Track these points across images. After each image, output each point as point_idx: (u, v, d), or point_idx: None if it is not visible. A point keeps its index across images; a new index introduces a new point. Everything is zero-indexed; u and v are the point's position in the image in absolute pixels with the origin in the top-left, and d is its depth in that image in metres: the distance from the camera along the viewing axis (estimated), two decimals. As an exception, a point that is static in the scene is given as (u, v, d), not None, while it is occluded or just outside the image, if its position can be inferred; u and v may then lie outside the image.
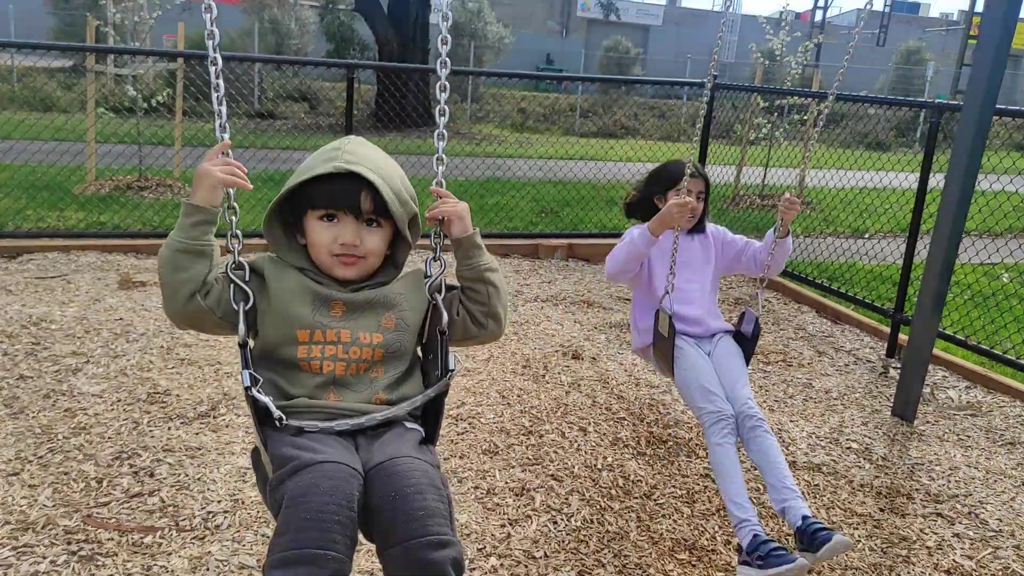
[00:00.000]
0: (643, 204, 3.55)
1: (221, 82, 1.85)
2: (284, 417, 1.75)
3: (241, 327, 1.81)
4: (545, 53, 37.40)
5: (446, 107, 2.07)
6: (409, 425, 1.89)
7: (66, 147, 7.46)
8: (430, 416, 1.95)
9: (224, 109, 1.84)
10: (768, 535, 2.73)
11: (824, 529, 2.60)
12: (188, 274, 1.78)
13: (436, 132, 2.04)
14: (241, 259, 1.84)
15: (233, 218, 1.83)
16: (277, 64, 19.23)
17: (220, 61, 1.89)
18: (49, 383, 3.94)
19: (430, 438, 1.92)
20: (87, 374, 4.08)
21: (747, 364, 3.31)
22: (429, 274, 1.98)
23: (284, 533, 1.56)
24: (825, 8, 39.20)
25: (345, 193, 1.85)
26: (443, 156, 2.01)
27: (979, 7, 29.17)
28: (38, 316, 4.75)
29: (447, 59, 2.05)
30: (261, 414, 1.77)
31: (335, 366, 1.84)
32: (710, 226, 3.62)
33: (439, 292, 1.96)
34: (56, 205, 7.54)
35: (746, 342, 3.38)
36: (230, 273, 1.82)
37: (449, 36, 2.04)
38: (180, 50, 9.27)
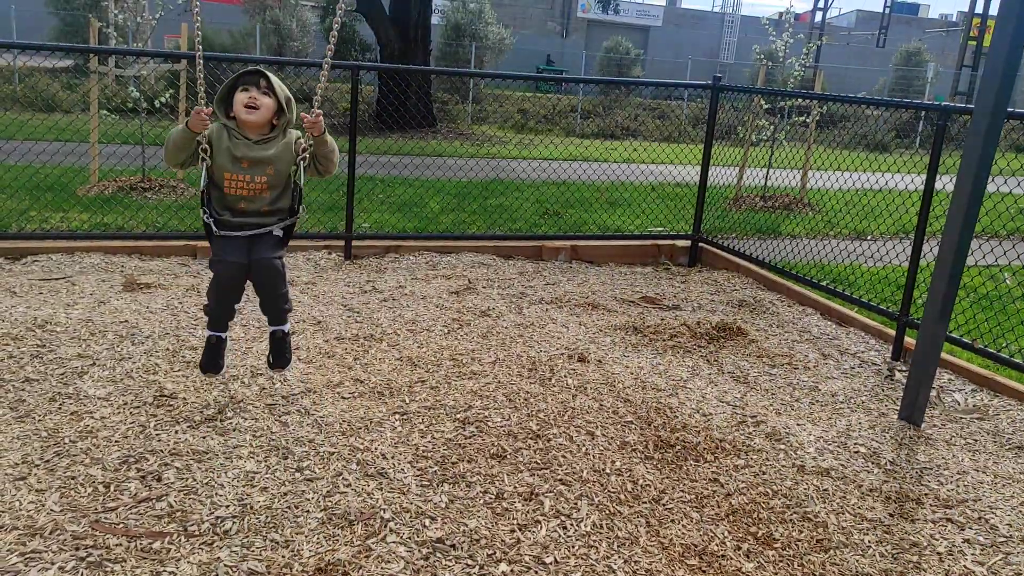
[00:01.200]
0: None
1: (201, 64, 3.56)
2: (216, 230, 3.47)
3: (203, 178, 3.48)
4: (545, 54, 37.38)
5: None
6: (276, 232, 3.55)
7: (69, 148, 7.43)
8: (288, 228, 3.62)
9: (203, 84, 3.53)
10: None
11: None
12: (178, 151, 3.44)
13: (321, 74, 3.69)
14: (205, 136, 3.42)
15: (204, 136, 3.43)
16: (280, 65, 19.18)
17: (201, 49, 3.56)
18: (55, 386, 3.93)
19: (286, 239, 3.61)
20: (93, 377, 4.07)
21: None
22: (299, 143, 3.55)
23: (211, 290, 3.60)
24: (825, 9, 39.19)
25: (252, 77, 3.47)
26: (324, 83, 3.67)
27: (979, 8, 29.18)
28: (43, 318, 4.73)
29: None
30: (208, 228, 3.50)
31: (242, 191, 3.45)
32: None
33: (303, 159, 3.53)
34: (60, 206, 7.52)
35: None
36: (199, 151, 3.44)
37: None
38: (183, 51, 9.25)
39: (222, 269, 3.44)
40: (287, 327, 3.76)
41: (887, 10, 41.67)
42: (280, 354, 3.79)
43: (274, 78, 3.48)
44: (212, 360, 3.71)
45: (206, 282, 4.69)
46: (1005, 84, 3.69)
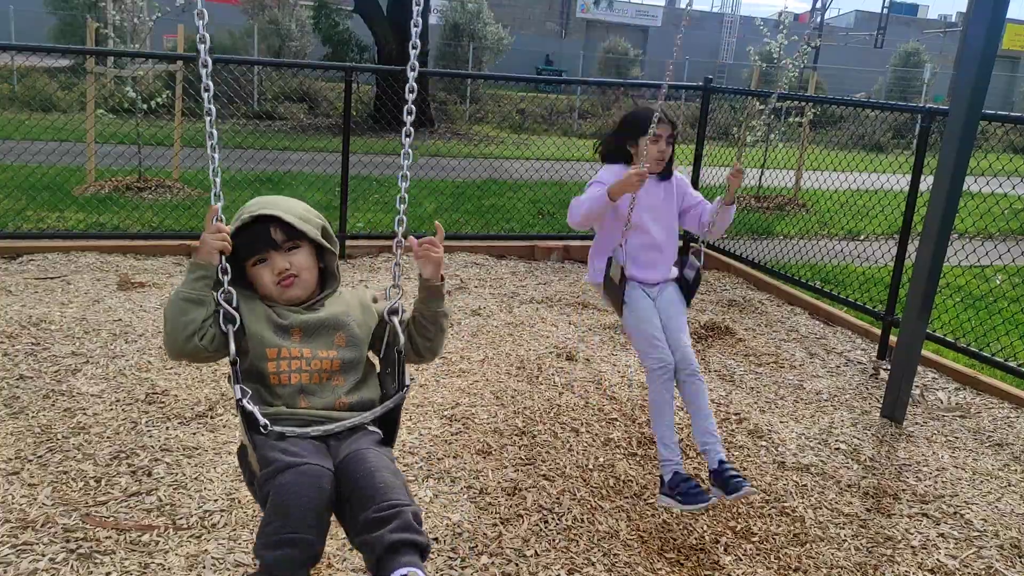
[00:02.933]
0: (616, 150, 3.62)
1: (214, 127, 2.14)
2: (268, 424, 2.04)
3: (231, 346, 2.09)
4: (544, 54, 37.43)
5: (411, 129, 2.29)
6: (371, 428, 2.22)
7: (66, 148, 7.50)
8: (388, 423, 2.27)
9: (215, 135, 2.14)
10: (687, 474, 3.17)
11: (738, 477, 3.05)
12: (189, 317, 2.09)
13: (402, 151, 2.29)
14: (230, 288, 2.11)
15: (225, 277, 2.11)
16: (276, 66, 19.27)
17: (212, 87, 2.13)
18: (49, 383, 4.00)
19: (388, 442, 2.25)
20: (86, 374, 4.13)
21: (687, 307, 3.55)
22: (388, 299, 2.31)
23: (271, 522, 1.90)
24: (823, 10, 39.24)
25: (259, 236, 2.20)
26: (407, 173, 2.36)
27: (967, 10, 29.21)
28: (38, 317, 4.80)
29: (415, 63, 2.35)
30: (249, 421, 2.04)
31: (301, 376, 2.17)
32: (676, 174, 3.68)
33: (395, 315, 2.28)
34: (56, 206, 7.59)
35: (688, 288, 3.57)
36: (219, 300, 2.10)
37: (419, 42, 2.34)
38: (179, 52, 9.33)
39: (294, 479, 1.91)
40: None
41: (885, 11, 41.73)
42: None
43: (288, 214, 2.22)
44: None
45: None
46: (979, 85, 3.75)
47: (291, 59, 22.73)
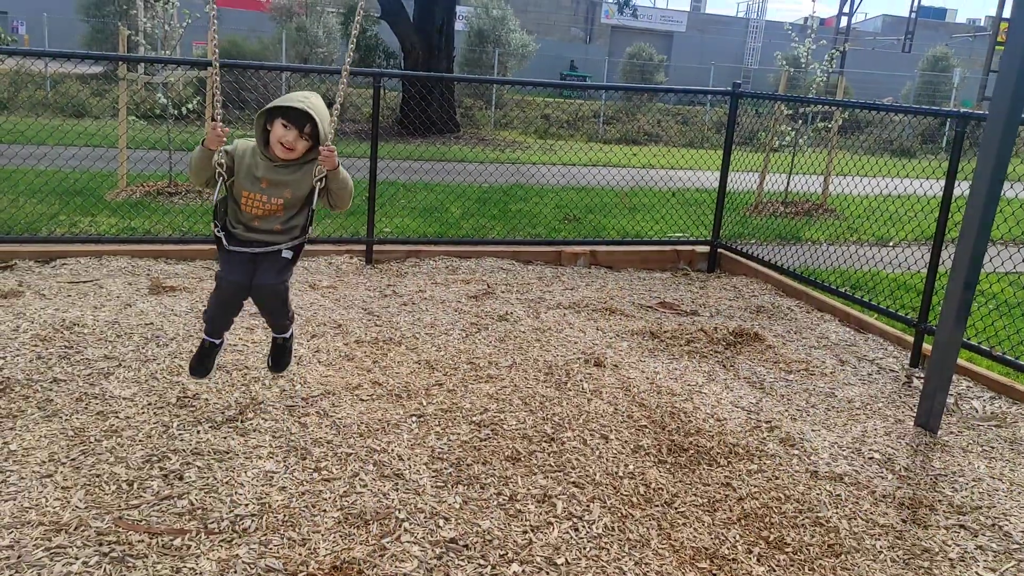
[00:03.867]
0: None
1: (218, 79, 3.57)
2: (227, 245, 3.42)
3: (215, 195, 3.39)
4: (569, 60, 37.43)
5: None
6: (284, 253, 3.48)
7: (98, 153, 7.60)
8: (297, 248, 3.53)
9: (219, 100, 3.53)
10: None
11: None
12: (199, 171, 3.40)
13: (340, 84, 3.73)
14: (224, 150, 3.37)
15: (221, 153, 3.37)
16: (304, 72, 19.39)
17: (217, 65, 3.56)
18: (82, 386, 4.03)
19: (294, 259, 3.53)
20: (118, 377, 4.17)
21: None
22: (316, 172, 3.43)
23: (209, 304, 3.57)
24: (851, 14, 38.92)
25: (299, 119, 3.34)
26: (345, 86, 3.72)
27: (1007, 12, 28.84)
28: (71, 320, 4.85)
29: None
30: (217, 241, 3.45)
31: (256, 210, 3.41)
32: None
33: (319, 186, 3.44)
34: (88, 211, 7.68)
35: None
36: (216, 166, 3.36)
37: None
38: (209, 58, 9.40)
39: (225, 287, 3.42)
40: (288, 334, 3.81)
41: (913, 15, 41.32)
42: (278, 360, 3.89)
43: (322, 119, 3.40)
44: (201, 363, 3.68)
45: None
46: (1020, 88, 3.69)
47: (319, 65, 22.86)
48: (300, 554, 2.86)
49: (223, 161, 3.35)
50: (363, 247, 6.81)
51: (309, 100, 3.38)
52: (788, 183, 10.72)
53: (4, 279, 5.60)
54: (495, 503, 3.28)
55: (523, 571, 2.87)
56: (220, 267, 3.42)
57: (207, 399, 3.99)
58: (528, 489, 3.39)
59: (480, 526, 3.11)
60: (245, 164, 3.40)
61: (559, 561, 2.94)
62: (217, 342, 3.67)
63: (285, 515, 3.07)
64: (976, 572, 3.08)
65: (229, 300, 3.46)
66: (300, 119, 3.34)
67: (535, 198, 9.43)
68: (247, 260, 3.41)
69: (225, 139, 3.34)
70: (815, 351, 5.41)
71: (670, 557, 3.02)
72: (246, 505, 3.12)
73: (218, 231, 3.43)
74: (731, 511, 3.35)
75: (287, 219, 3.48)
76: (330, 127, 3.46)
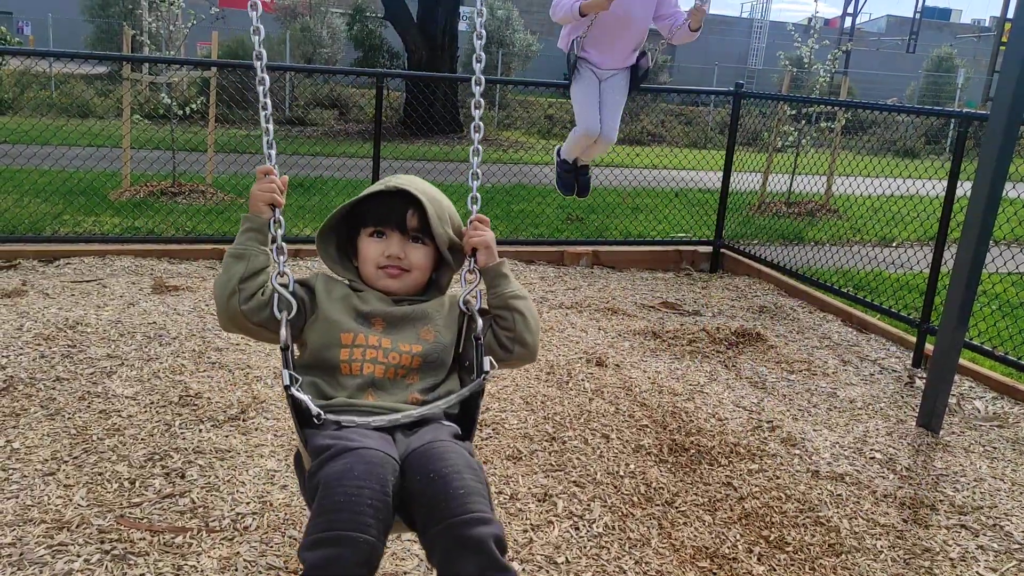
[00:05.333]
0: None
1: (268, 101, 2.06)
2: (322, 413, 1.82)
3: (283, 332, 1.91)
4: (573, 60, 37.37)
5: (480, 123, 2.23)
6: (444, 423, 1.95)
7: (102, 153, 7.62)
8: (465, 416, 2.01)
9: (271, 127, 2.07)
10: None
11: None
12: (228, 275, 1.94)
13: (471, 148, 2.19)
14: (287, 269, 1.98)
15: (278, 230, 1.99)
16: (308, 72, 19.43)
17: (267, 81, 2.10)
18: (84, 385, 4.05)
19: (466, 436, 1.96)
20: (121, 376, 4.18)
21: (631, 94, 5.04)
22: (464, 285, 2.10)
23: (319, 516, 1.59)
24: (855, 15, 38.88)
25: (393, 210, 2.03)
26: (478, 171, 2.18)
27: (1011, 13, 28.83)
28: (74, 319, 4.86)
29: (481, 76, 2.22)
30: (301, 413, 1.83)
31: (375, 368, 1.93)
32: None
33: (474, 307, 2.07)
34: (92, 210, 7.70)
35: (635, 78, 5.02)
36: (273, 282, 1.95)
37: (483, 54, 2.24)
38: (213, 59, 9.44)
39: (348, 465, 1.64)
40: None
41: (918, 15, 41.26)
42: None
43: (431, 204, 2.06)
44: None
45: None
46: (1022, 89, 3.69)
47: (323, 65, 22.92)
48: (301, 552, 2.86)
49: (288, 274, 1.98)
50: (366, 247, 6.80)
51: (395, 177, 2.11)
52: (791, 183, 10.71)
53: (8, 278, 5.62)
54: (496, 502, 3.28)
55: (523, 570, 2.87)
56: (315, 455, 1.73)
57: (209, 398, 4.00)
58: (529, 488, 3.40)
59: (481, 525, 3.11)
60: (337, 295, 2.02)
61: (559, 560, 2.94)
62: None
63: (287, 513, 3.08)
64: (977, 572, 3.08)
65: (362, 496, 1.60)
66: (394, 210, 2.04)
67: (538, 198, 9.44)
68: (377, 433, 1.82)
69: (283, 196, 2.01)
70: (817, 351, 5.41)
71: (670, 556, 3.02)
72: (248, 503, 3.13)
73: (296, 388, 1.85)
74: (732, 510, 3.36)
75: (430, 386, 1.99)
76: (448, 221, 2.13)
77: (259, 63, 2.07)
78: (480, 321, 2.03)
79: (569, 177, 5.35)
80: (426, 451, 1.72)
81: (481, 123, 2.22)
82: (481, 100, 2.22)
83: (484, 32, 2.24)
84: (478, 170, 2.19)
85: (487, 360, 2.00)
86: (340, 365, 1.93)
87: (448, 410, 1.97)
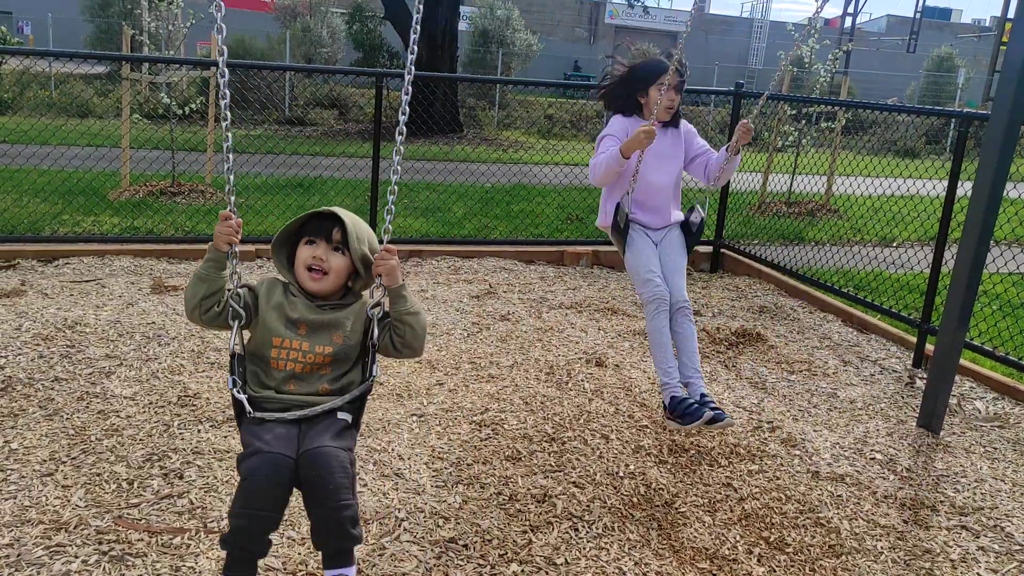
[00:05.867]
0: (626, 101, 3.91)
1: (231, 156, 2.50)
2: (252, 411, 2.41)
3: (232, 340, 2.47)
4: (573, 60, 37.42)
5: (400, 151, 2.69)
6: (340, 415, 2.48)
7: (102, 153, 7.62)
8: (357, 406, 2.55)
9: (232, 177, 2.50)
10: (684, 395, 3.66)
11: (719, 409, 3.56)
12: (195, 291, 2.47)
13: (388, 187, 2.59)
14: (241, 286, 2.49)
15: (235, 260, 2.49)
16: (308, 72, 19.42)
17: (230, 138, 2.48)
18: (83, 385, 4.04)
19: (355, 424, 2.54)
20: (120, 377, 4.17)
21: (689, 253, 3.99)
22: (372, 298, 2.58)
23: (238, 497, 2.29)
24: (855, 15, 38.86)
25: (322, 226, 2.56)
26: (392, 207, 2.60)
27: (1011, 13, 28.80)
28: (73, 319, 4.85)
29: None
30: (238, 407, 2.45)
31: (295, 365, 2.49)
32: (684, 123, 4.00)
33: (377, 315, 2.56)
34: (91, 210, 7.69)
35: (691, 235, 4.00)
36: (229, 300, 2.48)
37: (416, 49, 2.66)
38: (213, 58, 9.41)
39: (257, 465, 2.26)
40: (353, 570, 2.42)
41: (918, 15, 41.23)
42: None
43: (352, 225, 2.54)
44: None
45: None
46: (1022, 88, 3.67)
47: (322, 65, 22.90)
48: (299, 553, 2.85)
49: (241, 293, 2.47)
50: (365, 247, 6.79)
51: (331, 207, 2.59)
52: (791, 183, 10.70)
53: (7, 278, 5.61)
54: (495, 503, 3.27)
55: (522, 571, 2.87)
56: (244, 445, 2.37)
57: (208, 398, 3.99)
58: (528, 489, 3.39)
59: (480, 526, 3.10)
60: (274, 302, 2.51)
61: (559, 561, 2.93)
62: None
63: (285, 514, 3.06)
64: (978, 573, 3.07)
65: (266, 489, 2.26)
66: (323, 225, 2.55)
67: (538, 198, 9.43)
68: (287, 431, 2.39)
69: (238, 236, 2.47)
70: (817, 351, 5.40)
71: (670, 557, 3.01)
72: (246, 504, 3.11)
73: (238, 391, 2.42)
74: (732, 511, 3.35)
75: (337, 376, 2.53)
76: (381, 234, 2.58)
77: (224, 102, 2.48)
78: (377, 332, 2.54)
79: (693, 406, 3.60)
80: (312, 454, 2.31)
81: (401, 152, 2.67)
82: (401, 147, 2.67)
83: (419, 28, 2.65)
84: (392, 206, 2.58)
85: (376, 367, 2.56)
86: (271, 361, 2.49)
87: (346, 402, 2.51)
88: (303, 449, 2.34)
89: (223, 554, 2.78)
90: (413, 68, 2.65)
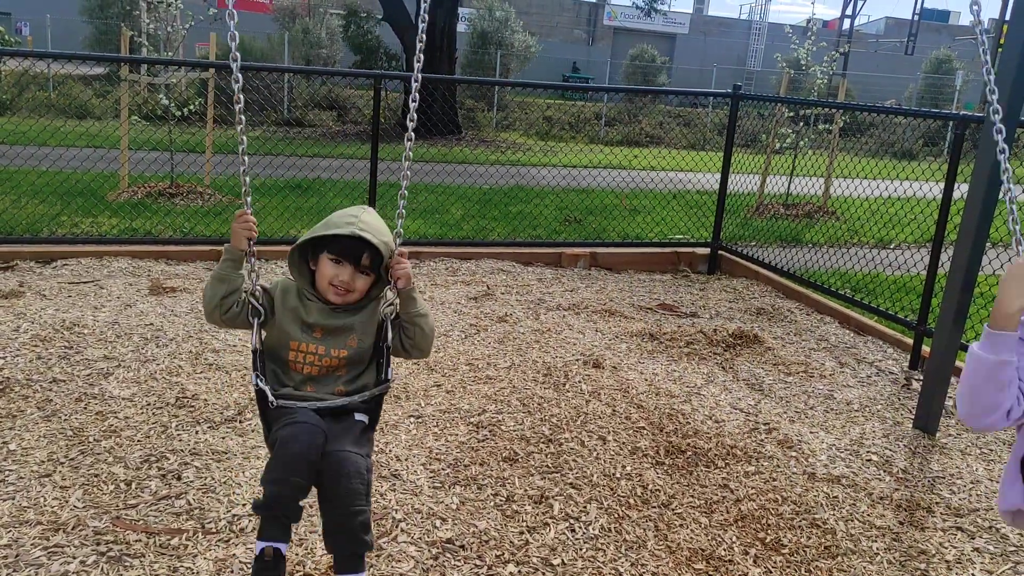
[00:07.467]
0: None
1: (246, 157, 2.55)
2: (276, 401, 2.47)
3: (254, 337, 2.53)
4: (571, 61, 37.45)
5: (408, 172, 2.74)
6: (358, 417, 2.58)
7: (100, 154, 7.62)
8: (373, 406, 2.63)
9: (248, 183, 2.55)
10: None
11: None
12: (213, 292, 2.52)
13: (399, 192, 2.73)
14: (258, 285, 2.53)
15: (253, 259, 2.53)
16: (306, 74, 19.43)
17: (245, 142, 2.53)
18: (81, 386, 4.04)
19: (372, 425, 2.63)
20: (118, 378, 4.18)
21: None
22: (385, 300, 2.63)
23: (274, 466, 2.33)
24: (853, 17, 38.92)
25: (353, 250, 2.54)
26: (403, 211, 2.72)
27: (1009, 15, 28.82)
28: (71, 320, 4.86)
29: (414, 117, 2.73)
30: (262, 399, 2.50)
31: (312, 368, 2.55)
32: None
33: (390, 316, 2.61)
34: (90, 211, 7.69)
35: None
36: (249, 298, 2.53)
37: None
38: (212, 60, 9.43)
39: (294, 433, 2.32)
40: None
41: (916, 17, 41.29)
42: None
43: (383, 247, 2.55)
44: None
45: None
46: (1017, 91, 3.69)
47: (321, 67, 22.91)
48: (297, 554, 2.86)
49: (258, 295, 2.52)
50: (363, 248, 6.80)
51: (360, 220, 2.56)
52: (789, 185, 10.72)
53: (5, 279, 5.62)
54: (492, 504, 3.28)
55: (519, 571, 2.87)
56: (270, 430, 2.46)
57: (206, 399, 4.00)
58: (525, 490, 3.40)
59: (477, 526, 3.11)
60: (290, 305, 2.55)
61: (555, 562, 2.94)
62: (284, 547, 2.34)
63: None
64: (972, 574, 3.08)
65: (302, 454, 2.30)
66: (353, 249, 2.52)
67: (536, 200, 9.44)
68: (311, 413, 2.44)
69: (255, 233, 2.52)
70: (814, 353, 5.41)
71: (666, 558, 3.02)
72: (243, 505, 3.13)
73: (260, 381, 2.47)
74: (728, 512, 3.36)
75: (352, 377, 2.57)
76: (395, 239, 2.63)
77: (238, 106, 2.50)
78: (391, 334, 2.60)
79: None
80: (334, 456, 2.36)
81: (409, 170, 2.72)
82: (410, 154, 2.72)
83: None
84: (403, 211, 2.70)
85: (391, 370, 2.60)
86: (289, 363, 2.55)
87: (361, 402, 2.57)
88: (327, 449, 2.38)
89: (221, 555, 2.82)
90: (420, 76, 2.66)
